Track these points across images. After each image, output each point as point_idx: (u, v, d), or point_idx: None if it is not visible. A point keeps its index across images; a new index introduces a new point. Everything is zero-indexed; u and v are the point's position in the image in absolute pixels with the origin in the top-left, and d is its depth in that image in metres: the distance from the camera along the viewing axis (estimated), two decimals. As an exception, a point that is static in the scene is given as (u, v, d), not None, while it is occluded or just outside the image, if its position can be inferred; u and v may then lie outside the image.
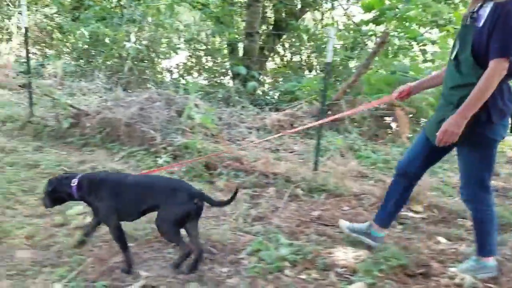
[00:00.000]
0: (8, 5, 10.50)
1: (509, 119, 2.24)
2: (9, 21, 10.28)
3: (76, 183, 2.46)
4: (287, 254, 2.54)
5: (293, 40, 8.65)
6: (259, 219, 3.17)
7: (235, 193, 2.49)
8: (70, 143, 5.02)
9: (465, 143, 2.20)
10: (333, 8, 8.37)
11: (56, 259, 2.50)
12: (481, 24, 2.08)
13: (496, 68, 2.00)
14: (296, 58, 8.67)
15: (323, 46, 8.11)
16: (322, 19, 8.38)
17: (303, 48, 8.00)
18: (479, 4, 2.13)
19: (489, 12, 2.05)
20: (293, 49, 8.45)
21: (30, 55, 9.48)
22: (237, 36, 7.67)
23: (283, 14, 8.41)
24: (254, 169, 4.12)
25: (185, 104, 5.27)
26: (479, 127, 2.14)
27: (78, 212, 3.12)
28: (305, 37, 8.23)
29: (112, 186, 2.45)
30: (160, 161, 4.38)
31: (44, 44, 10.05)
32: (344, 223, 2.91)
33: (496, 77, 2.01)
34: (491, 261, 2.45)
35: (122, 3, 8.72)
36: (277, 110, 6.47)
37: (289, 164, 4.19)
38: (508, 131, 2.26)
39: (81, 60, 8.77)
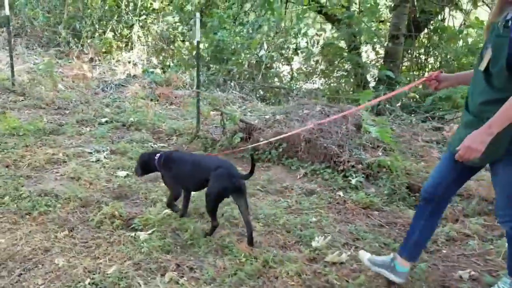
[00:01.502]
0: (127, 13, 10.87)
1: None
2: (130, 30, 10.65)
3: (158, 157, 3.22)
4: None
5: (428, 42, 8.05)
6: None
7: (253, 165, 2.84)
8: (241, 158, 4.94)
9: (503, 160, 2.00)
10: (476, 5, 7.66)
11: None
12: None
13: None
14: (432, 60, 8.07)
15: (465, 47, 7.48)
16: (465, 20, 7.71)
17: (445, 49, 7.39)
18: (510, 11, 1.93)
19: None
20: (431, 50, 7.85)
21: (153, 64, 9.83)
22: (377, 39, 7.25)
23: (418, 14, 7.85)
24: (470, 193, 3.71)
25: (357, 116, 4.98)
26: None
27: (325, 245, 2.91)
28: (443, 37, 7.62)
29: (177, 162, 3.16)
30: (353, 181, 4.12)
31: (164, 54, 10.27)
32: (364, 254, 2.66)
33: None
34: None
35: (247, 9, 8.62)
36: (435, 118, 5.98)
37: None
38: None
39: (202, 69, 8.81)
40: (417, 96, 6.50)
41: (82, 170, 4.11)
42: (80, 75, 8.58)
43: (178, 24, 9.77)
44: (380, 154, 4.61)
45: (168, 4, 10.28)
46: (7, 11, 6.83)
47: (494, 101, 1.96)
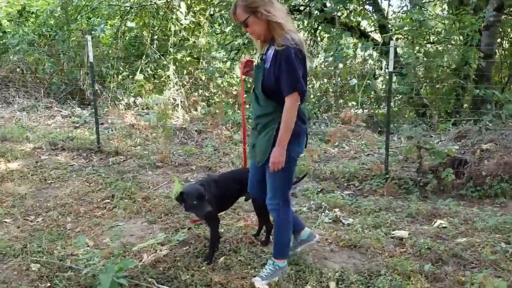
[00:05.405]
0: (155, 52, 9.73)
1: (304, 138, 2.62)
2: (162, 69, 9.64)
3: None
4: None
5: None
6: None
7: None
8: (455, 196, 4.44)
9: (268, 161, 2.51)
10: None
11: None
12: (268, 65, 2.46)
13: (290, 101, 2.40)
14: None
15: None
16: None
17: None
18: (266, 48, 2.52)
19: (272, 56, 2.42)
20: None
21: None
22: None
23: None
24: None
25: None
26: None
27: None
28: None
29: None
30: None
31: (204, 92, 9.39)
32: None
33: (293, 109, 2.41)
34: (284, 263, 2.80)
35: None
36: None
37: None
38: (304, 148, 2.66)
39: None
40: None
41: (357, 237, 3.35)
42: (139, 124, 7.48)
43: (225, 59, 9.00)
44: None
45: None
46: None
47: (262, 115, 2.56)
